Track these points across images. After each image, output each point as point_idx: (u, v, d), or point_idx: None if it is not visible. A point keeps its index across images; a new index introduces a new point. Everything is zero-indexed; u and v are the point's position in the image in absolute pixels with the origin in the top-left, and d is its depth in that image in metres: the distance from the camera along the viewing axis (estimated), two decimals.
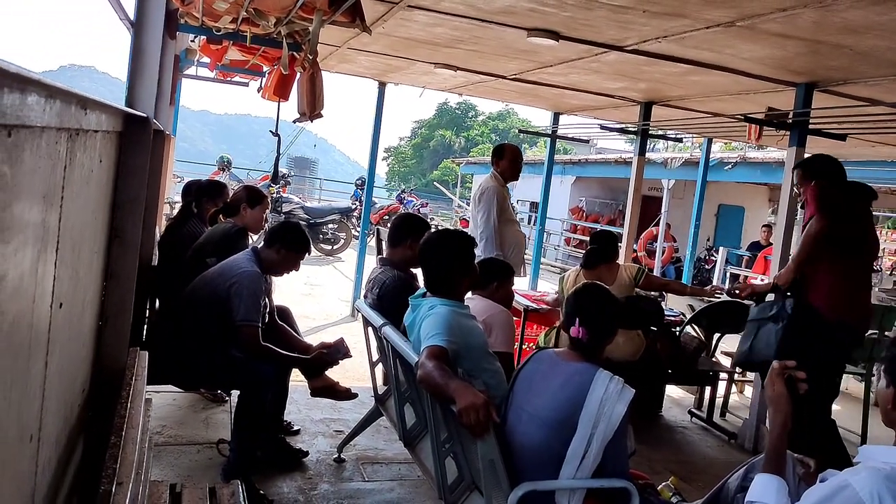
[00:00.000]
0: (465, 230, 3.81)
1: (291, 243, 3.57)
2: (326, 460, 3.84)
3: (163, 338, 3.44)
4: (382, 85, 7.37)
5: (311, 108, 4.09)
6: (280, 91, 5.01)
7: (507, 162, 5.22)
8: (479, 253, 5.17)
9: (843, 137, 4.92)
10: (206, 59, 5.85)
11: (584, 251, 5.14)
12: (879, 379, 1.82)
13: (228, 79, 6.89)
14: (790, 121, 4.73)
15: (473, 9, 3.91)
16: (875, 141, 6.53)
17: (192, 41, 5.74)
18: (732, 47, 4.03)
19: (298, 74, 4.46)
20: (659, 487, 2.80)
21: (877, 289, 7.94)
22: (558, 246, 17.87)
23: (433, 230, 3.22)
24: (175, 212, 5.54)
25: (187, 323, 3.39)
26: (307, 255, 3.71)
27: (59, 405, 1.47)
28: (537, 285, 8.07)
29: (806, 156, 6.25)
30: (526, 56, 5.06)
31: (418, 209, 16.21)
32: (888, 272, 11.86)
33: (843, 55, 3.89)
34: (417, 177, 46.03)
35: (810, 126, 4.77)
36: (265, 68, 5.71)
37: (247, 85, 7.06)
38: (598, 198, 18.71)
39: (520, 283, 7.66)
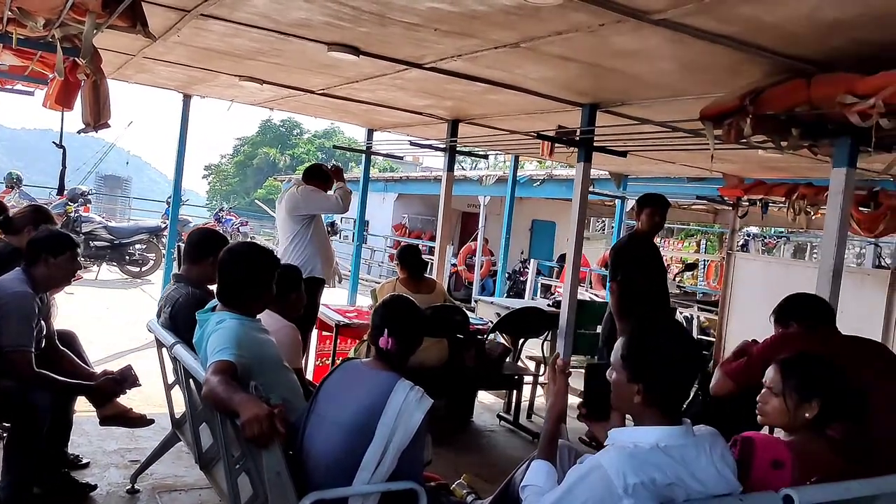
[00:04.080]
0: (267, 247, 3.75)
1: (53, 248, 3.29)
2: (118, 492, 3.59)
3: None
4: (187, 97, 7.11)
5: (96, 117, 3.84)
6: (63, 100, 4.64)
7: (328, 185, 5.58)
8: (288, 259, 5.20)
9: (623, 154, 5.39)
10: None
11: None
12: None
13: (8, 87, 6.31)
14: (577, 138, 5.10)
15: (269, 20, 3.87)
16: (656, 158, 7.20)
17: None
18: (521, 67, 4.29)
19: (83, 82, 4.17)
20: (452, 487, 2.89)
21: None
22: (382, 262, 18.01)
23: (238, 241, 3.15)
24: None
25: None
26: (79, 254, 3.46)
27: None
28: (355, 300, 8.08)
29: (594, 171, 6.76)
30: (330, 71, 5.08)
31: (237, 228, 15.72)
32: (672, 278, 13.06)
33: (618, 78, 4.26)
34: (241, 195, 44.52)
35: (595, 143, 5.18)
36: (50, 75, 5.28)
37: (32, 94, 6.49)
38: (420, 214, 19.09)
39: (336, 298, 7.65)
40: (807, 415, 2.29)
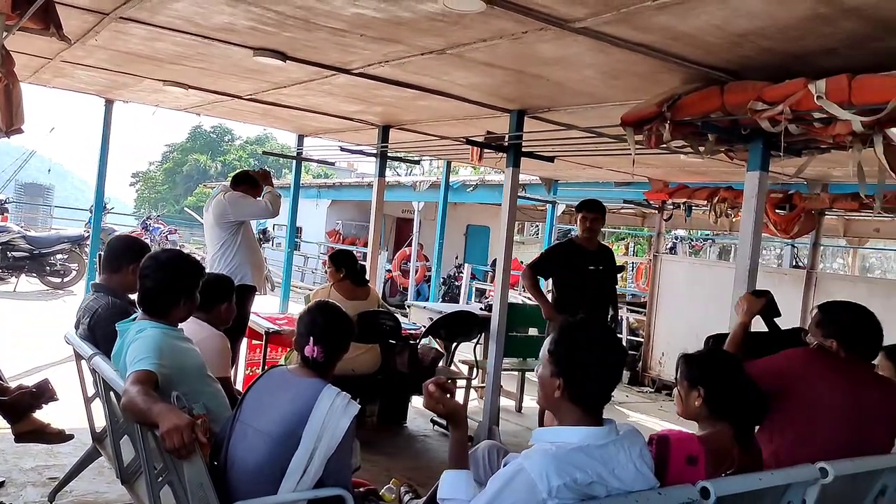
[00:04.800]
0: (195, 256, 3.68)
1: None
2: None
3: None
4: (109, 102, 6.90)
5: (8, 122, 3.69)
6: None
7: (257, 191, 5.48)
8: (217, 267, 5.12)
9: (551, 159, 5.48)
10: None
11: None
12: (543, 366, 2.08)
13: None
14: (506, 144, 5.17)
15: (192, 24, 3.79)
16: (584, 163, 7.34)
17: None
18: (448, 74, 4.32)
19: None
20: (381, 492, 2.89)
21: None
22: (315, 269, 17.82)
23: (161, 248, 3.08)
24: None
25: None
26: None
27: None
28: (287, 308, 7.98)
29: (522, 176, 6.85)
30: (257, 76, 5.02)
31: (166, 236, 15.33)
32: None
33: (543, 85, 4.34)
34: (170, 203, 43.39)
35: (524, 149, 5.26)
36: None
37: None
38: (354, 220, 18.98)
39: (268, 306, 7.53)
40: (695, 403, 2.46)
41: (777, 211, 6.90)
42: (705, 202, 7.41)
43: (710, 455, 2.16)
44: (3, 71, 3.41)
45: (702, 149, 3.89)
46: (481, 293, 12.59)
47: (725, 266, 9.59)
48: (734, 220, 7.24)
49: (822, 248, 8.14)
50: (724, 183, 7.40)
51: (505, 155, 5.26)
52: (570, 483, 1.84)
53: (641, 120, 3.75)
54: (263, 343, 5.16)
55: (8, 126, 3.72)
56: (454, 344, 5.82)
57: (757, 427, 2.76)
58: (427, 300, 12.80)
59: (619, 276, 6.18)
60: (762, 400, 2.53)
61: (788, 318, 6.98)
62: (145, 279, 2.77)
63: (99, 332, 3.21)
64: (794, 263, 11.81)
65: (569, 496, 1.84)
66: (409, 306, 7.34)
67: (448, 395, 2.22)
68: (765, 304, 3.23)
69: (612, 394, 2.13)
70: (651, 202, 8.39)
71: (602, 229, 6.21)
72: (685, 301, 8.22)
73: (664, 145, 3.86)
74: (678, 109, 3.61)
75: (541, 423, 4.92)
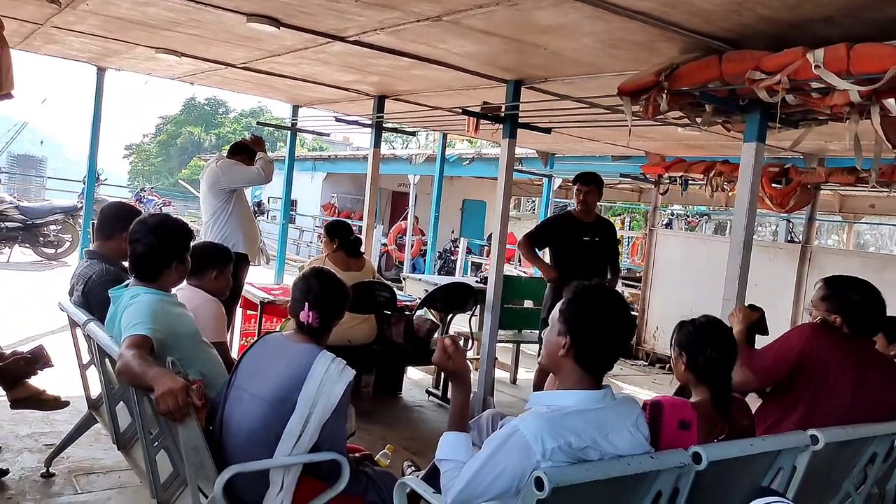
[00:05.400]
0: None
1: None
2: (32, 476, 3.48)
3: None
4: (101, 70, 6.83)
5: None
6: None
7: (252, 161, 5.40)
8: (210, 236, 5.12)
9: (548, 131, 5.45)
10: None
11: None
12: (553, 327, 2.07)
13: None
14: (503, 114, 5.13)
15: None
16: (581, 136, 7.31)
17: None
18: (445, 42, 4.28)
19: None
20: (376, 458, 2.91)
21: None
22: (311, 242, 17.79)
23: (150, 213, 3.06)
24: None
25: None
26: None
27: None
28: (283, 279, 7.98)
29: (519, 149, 6.82)
30: (251, 43, 4.96)
31: (160, 208, 15.26)
32: None
33: (540, 54, 4.29)
34: (165, 176, 43.21)
35: (520, 120, 5.22)
36: None
37: None
38: (349, 194, 18.91)
39: (263, 278, 7.53)
40: (682, 367, 2.51)
41: (773, 185, 6.88)
42: (702, 176, 7.39)
43: (702, 421, 2.17)
44: None
45: (699, 119, 3.86)
46: (477, 267, 12.61)
47: (720, 240, 9.62)
48: (730, 194, 7.22)
49: (817, 223, 8.15)
50: (720, 157, 7.38)
51: (501, 126, 5.22)
52: (563, 446, 1.85)
53: (639, 89, 3.72)
54: (258, 313, 5.17)
55: None
56: (449, 316, 5.82)
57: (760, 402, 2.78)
58: (423, 274, 12.82)
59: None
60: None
61: (783, 292, 7.02)
62: (135, 244, 2.76)
63: (93, 298, 3.21)
64: (789, 238, 11.83)
65: (562, 459, 1.85)
66: (404, 279, 7.34)
67: (458, 353, 2.20)
68: (758, 319, 3.12)
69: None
70: (647, 176, 8.36)
71: (598, 204, 6.20)
72: (680, 275, 8.23)
73: (661, 116, 3.83)
74: (676, 79, 3.58)
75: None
